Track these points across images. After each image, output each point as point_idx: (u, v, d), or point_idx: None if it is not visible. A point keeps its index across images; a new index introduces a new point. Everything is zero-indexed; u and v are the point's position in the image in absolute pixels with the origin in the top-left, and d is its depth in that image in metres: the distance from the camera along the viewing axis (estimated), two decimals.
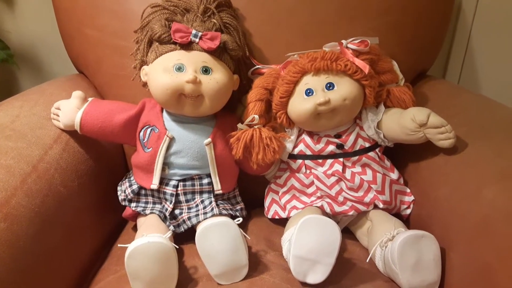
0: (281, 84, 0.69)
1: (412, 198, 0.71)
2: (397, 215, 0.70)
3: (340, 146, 0.70)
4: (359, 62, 0.66)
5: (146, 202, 0.71)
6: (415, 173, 0.73)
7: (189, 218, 0.68)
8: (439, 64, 1.06)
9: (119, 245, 0.63)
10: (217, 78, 0.66)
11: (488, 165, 0.61)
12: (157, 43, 0.68)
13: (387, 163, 0.73)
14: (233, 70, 0.72)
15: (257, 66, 0.77)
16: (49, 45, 1.07)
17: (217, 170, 0.70)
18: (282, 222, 0.72)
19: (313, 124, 0.69)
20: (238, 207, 0.75)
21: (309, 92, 0.67)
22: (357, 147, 0.70)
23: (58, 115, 0.70)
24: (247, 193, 0.78)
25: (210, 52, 0.67)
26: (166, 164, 0.68)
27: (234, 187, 0.76)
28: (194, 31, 0.66)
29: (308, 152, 0.71)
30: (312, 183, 0.71)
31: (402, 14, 0.82)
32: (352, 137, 0.70)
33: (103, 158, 0.77)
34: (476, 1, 1.00)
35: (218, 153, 0.69)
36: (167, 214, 0.68)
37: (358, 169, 0.70)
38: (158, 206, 0.70)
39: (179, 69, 0.65)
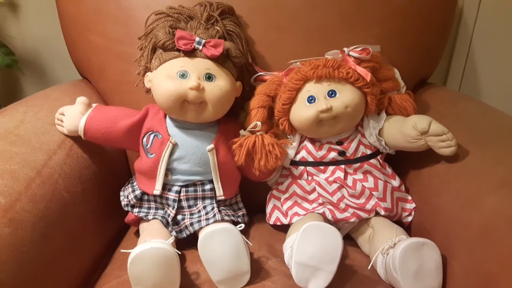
0: (283, 91, 0.70)
1: (413, 205, 0.72)
2: (399, 222, 0.71)
3: (342, 153, 0.70)
4: (361, 69, 0.67)
5: (149, 208, 0.72)
6: (416, 181, 0.73)
7: (191, 224, 0.68)
8: (440, 71, 1.07)
9: (121, 250, 0.63)
10: (220, 85, 0.66)
11: (489, 173, 0.61)
12: (161, 50, 0.69)
13: (389, 170, 0.73)
14: (236, 77, 0.72)
15: (260, 73, 0.77)
16: (53, 50, 1.08)
17: (219, 176, 0.70)
18: (283, 229, 0.72)
19: (315, 131, 0.69)
20: (240, 213, 0.75)
21: (311, 99, 0.67)
22: (359, 154, 0.71)
23: (62, 121, 0.71)
24: (249, 199, 0.78)
25: (214, 59, 0.67)
26: (169, 170, 0.69)
27: (236, 193, 0.76)
28: (197, 38, 0.67)
29: (310, 159, 0.72)
30: (314, 189, 0.71)
31: (404, 21, 0.82)
32: (354, 144, 0.70)
33: (106, 164, 0.78)
34: (477, 8, 1.01)
35: (220, 159, 0.70)
36: (169, 219, 0.68)
37: (359, 176, 0.70)
38: (160, 212, 0.70)
39: (183, 76, 0.66)
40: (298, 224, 0.67)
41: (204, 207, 0.70)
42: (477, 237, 0.56)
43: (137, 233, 0.75)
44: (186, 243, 0.67)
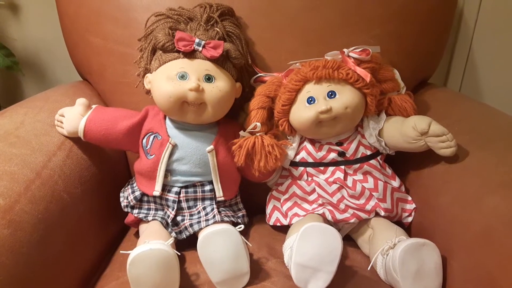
0: (283, 92, 0.70)
1: (413, 206, 0.71)
2: (399, 223, 0.70)
3: (341, 154, 0.70)
4: (360, 70, 0.67)
5: (149, 209, 0.72)
6: (416, 181, 0.73)
7: (191, 225, 0.68)
8: (440, 72, 1.07)
9: (121, 251, 0.63)
10: (220, 86, 0.67)
11: (489, 173, 0.61)
12: (160, 52, 0.69)
13: (389, 171, 0.73)
14: (236, 78, 0.72)
15: (260, 74, 0.77)
16: (54, 52, 1.08)
17: (219, 177, 0.70)
18: (283, 229, 0.72)
19: (315, 132, 0.69)
20: (240, 214, 0.75)
21: (311, 100, 0.67)
22: (359, 155, 0.71)
23: (62, 122, 0.71)
24: (248, 200, 0.78)
25: (213, 60, 0.67)
26: (168, 171, 0.69)
27: (236, 194, 0.76)
28: (197, 40, 0.67)
29: (310, 160, 0.72)
30: (313, 190, 0.71)
31: (404, 22, 0.82)
32: (353, 145, 0.70)
33: (106, 165, 0.78)
34: (477, 8, 1.01)
35: (220, 160, 0.70)
36: (169, 220, 0.68)
37: (359, 176, 0.70)
38: (160, 213, 0.70)
39: (182, 77, 0.66)
40: (298, 225, 0.67)
41: (204, 208, 0.70)
42: (477, 238, 0.56)
43: (136, 234, 0.75)
44: (186, 244, 0.67)
